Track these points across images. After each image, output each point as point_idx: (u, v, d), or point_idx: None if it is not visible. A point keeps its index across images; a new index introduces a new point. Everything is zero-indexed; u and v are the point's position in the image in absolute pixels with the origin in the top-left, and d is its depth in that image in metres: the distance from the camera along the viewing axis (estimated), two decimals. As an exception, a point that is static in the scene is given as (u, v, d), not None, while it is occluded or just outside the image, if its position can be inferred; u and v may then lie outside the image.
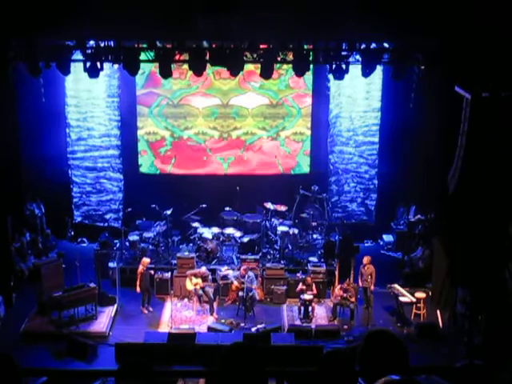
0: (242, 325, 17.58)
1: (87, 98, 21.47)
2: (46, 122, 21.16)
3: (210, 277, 18.63)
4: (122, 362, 5.17)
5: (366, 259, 18.33)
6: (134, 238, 20.48)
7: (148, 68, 20.84)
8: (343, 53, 17.39)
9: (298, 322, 17.78)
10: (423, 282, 19.22)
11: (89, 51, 17.28)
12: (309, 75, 20.57)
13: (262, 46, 17.58)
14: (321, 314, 18.34)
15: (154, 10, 15.64)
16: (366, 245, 22.23)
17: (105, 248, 20.24)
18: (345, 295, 17.85)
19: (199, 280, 18.26)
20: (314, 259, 20.08)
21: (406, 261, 20.43)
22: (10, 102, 19.69)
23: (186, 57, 17.76)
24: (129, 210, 21.41)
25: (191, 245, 21.08)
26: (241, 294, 18.07)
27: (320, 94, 21.80)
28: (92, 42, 17.36)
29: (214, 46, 17.20)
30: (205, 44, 17.20)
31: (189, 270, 18.80)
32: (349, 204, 22.84)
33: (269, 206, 21.13)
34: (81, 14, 15.65)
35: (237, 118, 21.93)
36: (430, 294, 18.66)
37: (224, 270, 19.19)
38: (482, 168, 15.34)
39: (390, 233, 22.58)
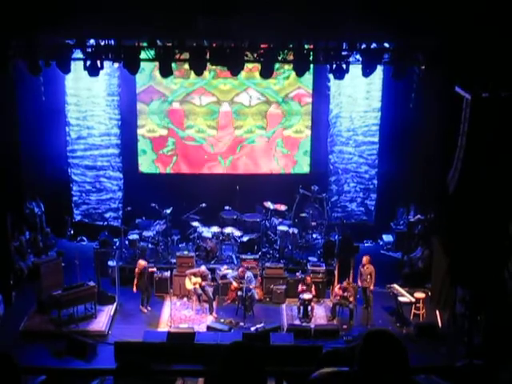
0: (242, 324, 17.59)
1: (87, 96, 21.46)
2: (45, 121, 21.15)
3: (209, 276, 18.63)
4: (121, 360, 5.18)
5: (365, 259, 18.34)
6: (133, 236, 20.48)
7: (149, 68, 20.85)
8: (343, 52, 17.38)
9: (297, 322, 17.79)
10: (423, 282, 19.22)
11: (89, 50, 17.27)
12: (309, 75, 20.56)
13: (262, 46, 17.57)
14: (320, 314, 18.34)
15: (154, 9, 15.63)
16: (365, 245, 22.25)
17: (104, 247, 20.24)
18: (344, 295, 17.86)
19: (198, 279, 18.26)
20: (313, 259, 20.09)
21: (405, 261, 20.43)
22: (9, 101, 19.70)
23: (186, 56, 17.76)
24: (128, 208, 21.41)
25: (191, 244, 21.09)
26: (240, 293, 18.07)
27: (320, 94, 21.80)
28: (92, 41, 17.36)
29: (214, 45, 17.19)
30: (205, 43, 17.20)
31: (188, 269, 18.81)
32: (348, 204, 22.85)
33: (268, 205, 21.13)
34: (81, 12, 15.65)
35: (236, 117, 21.94)
36: (430, 294, 18.66)
37: (223, 270, 19.20)
38: (482, 168, 15.33)
39: (389, 233, 22.58)
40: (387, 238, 22.46)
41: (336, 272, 19.07)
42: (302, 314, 17.91)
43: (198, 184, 21.57)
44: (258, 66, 18.34)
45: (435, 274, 18.57)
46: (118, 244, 20.77)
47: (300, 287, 18.22)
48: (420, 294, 18.21)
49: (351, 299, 17.82)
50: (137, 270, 18.17)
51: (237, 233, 20.65)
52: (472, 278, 15.90)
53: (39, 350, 16.15)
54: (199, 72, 17.74)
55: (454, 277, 16.63)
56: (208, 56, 17.20)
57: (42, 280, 18.33)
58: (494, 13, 15.06)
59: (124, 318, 18.01)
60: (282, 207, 21.34)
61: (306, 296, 17.89)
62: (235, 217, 21.33)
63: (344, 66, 17.50)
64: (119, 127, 21.90)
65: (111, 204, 22.55)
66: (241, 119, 21.97)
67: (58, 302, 17.25)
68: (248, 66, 19.73)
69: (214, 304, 18.45)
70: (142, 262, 18.40)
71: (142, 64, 18.05)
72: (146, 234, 20.64)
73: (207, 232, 20.52)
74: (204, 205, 20.87)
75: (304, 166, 22.54)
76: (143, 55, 17.57)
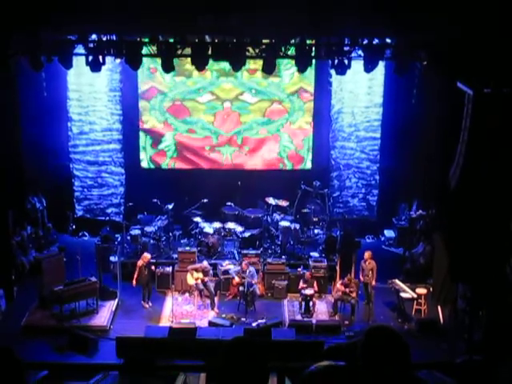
0: (243, 320, 17.61)
1: (89, 92, 21.48)
2: (47, 116, 21.13)
3: (211, 271, 18.64)
4: (126, 356, 5.21)
5: (367, 254, 18.34)
6: (135, 232, 20.50)
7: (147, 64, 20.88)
8: (345, 48, 17.34)
9: (298, 317, 17.82)
10: (424, 278, 19.24)
11: (91, 45, 17.25)
12: (311, 71, 20.55)
13: (264, 41, 17.55)
14: (322, 310, 18.36)
15: (156, 4, 15.61)
16: (367, 240, 22.29)
17: (106, 242, 20.26)
18: (346, 290, 17.86)
19: (200, 274, 18.27)
20: (315, 254, 20.09)
21: (407, 256, 20.44)
22: (11, 96, 19.72)
23: (188, 51, 17.74)
24: (130, 204, 21.42)
25: (192, 239, 21.10)
26: (242, 288, 18.09)
27: (322, 89, 21.80)
28: (94, 36, 17.34)
29: (216, 40, 17.17)
30: (207, 39, 17.18)
31: (190, 264, 18.82)
32: (350, 199, 22.84)
33: (270, 201, 21.15)
34: (83, 8, 15.61)
35: (239, 110, 21.96)
36: (431, 289, 18.68)
37: (225, 265, 19.21)
38: (484, 164, 15.32)
39: (391, 228, 22.60)
40: (389, 233, 22.48)
41: (338, 267, 19.08)
42: (304, 309, 17.94)
43: (200, 179, 21.59)
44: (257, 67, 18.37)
45: (437, 270, 18.57)
46: (119, 239, 20.79)
47: (300, 284, 18.24)
48: (421, 290, 18.22)
49: (353, 295, 17.82)
50: (141, 262, 18.16)
51: (238, 228, 20.66)
52: (473, 274, 15.89)
53: (41, 345, 16.19)
54: (201, 67, 17.71)
55: (455, 273, 16.63)
56: (210, 52, 17.17)
57: (43, 275, 18.36)
58: (495, 8, 15.03)
59: (126, 314, 18.04)
60: (284, 203, 21.34)
61: (308, 291, 17.91)
62: (237, 212, 21.34)
63: (346, 62, 17.46)
64: (121, 122, 21.91)
65: (113, 199, 22.56)
66: (243, 114, 21.97)
67: (59, 298, 17.28)
68: (249, 66, 19.93)
69: (216, 299, 18.46)
70: (147, 255, 18.42)
71: (144, 64, 18.09)
72: (147, 229, 20.65)
73: (209, 227, 20.52)
74: (206, 200, 20.89)
75: (306, 162, 22.53)
76: (145, 51, 17.56)
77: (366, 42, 17.30)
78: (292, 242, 20.66)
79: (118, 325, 17.41)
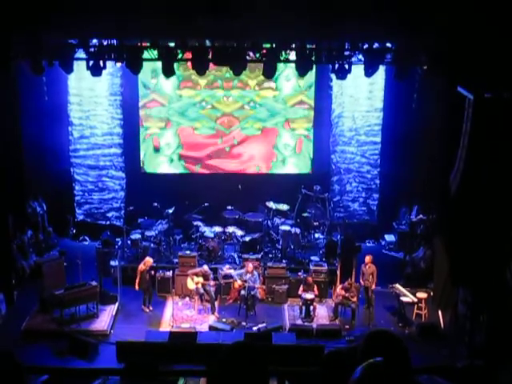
0: (244, 324, 17.60)
1: (90, 96, 21.49)
2: (48, 120, 21.15)
3: (211, 276, 18.64)
4: (127, 361, 5.20)
5: (367, 258, 18.34)
6: (135, 236, 20.50)
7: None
8: (346, 52, 17.36)
9: (299, 322, 17.80)
10: (425, 282, 19.24)
11: (92, 50, 17.25)
12: (311, 75, 20.57)
13: (265, 46, 17.56)
14: (322, 314, 18.35)
15: (156, 9, 15.62)
16: (367, 244, 22.25)
17: (106, 246, 20.23)
18: (346, 295, 17.86)
19: (201, 279, 18.27)
20: (315, 259, 20.08)
21: (407, 261, 20.43)
22: (12, 100, 19.74)
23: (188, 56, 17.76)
24: (131, 208, 21.41)
25: (193, 243, 21.10)
26: (242, 292, 18.09)
27: (322, 94, 21.81)
28: (95, 41, 17.36)
29: (216, 45, 17.18)
30: (207, 43, 17.19)
31: (190, 268, 18.81)
32: (351, 204, 22.84)
33: (271, 205, 21.15)
34: (84, 12, 15.64)
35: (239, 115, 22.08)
36: (432, 294, 18.68)
37: (225, 269, 19.21)
38: (484, 168, 15.32)
39: (391, 233, 22.59)
40: (389, 237, 22.47)
41: (338, 272, 19.07)
42: (304, 313, 17.93)
43: (201, 183, 21.59)
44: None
45: (437, 275, 18.57)
46: (120, 244, 20.78)
47: (301, 288, 18.23)
48: (422, 294, 18.22)
49: (353, 299, 17.82)
50: (143, 266, 18.17)
51: (239, 232, 20.66)
52: (474, 279, 15.89)
53: (41, 349, 16.18)
54: (201, 72, 17.72)
55: (456, 277, 16.63)
56: (210, 56, 17.19)
57: (44, 279, 18.36)
58: (496, 13, 15.04)
59: (126, 318, 18.03)
60: (285, 207, 21.35)
61: (308, 296, 17.90)
62: (237, 216, 21.34)
63: (346, 66, 17.47)
64: (122, 127, 21.92)
65: (113, 203, 22.56)
66: (242, 119, 22.04)
67: (60, 302, 17.28)
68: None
69: (216, 304, 18.45)
70: (150, 260, 18.42)
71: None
72: (148, 233, 20.65)
73: (209, 232, 20.53)
74: (206, 204, 20.88)
75: (306, 166, 22.54)
76: (146, 55, 17.57)
77: (366, 46, 17.31)
78: (292, 247, 20.64)
79: (118, 329, 17.40)
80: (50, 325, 17.33)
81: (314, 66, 19.01)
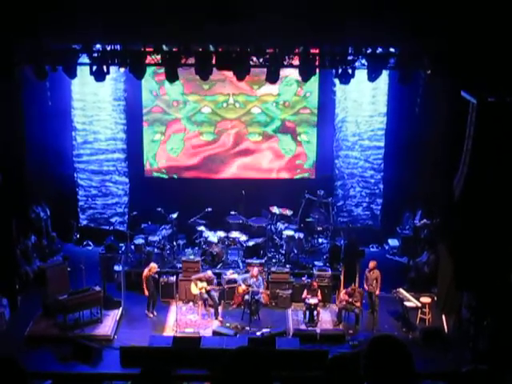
0: (247, 329, 17.58)
1: (93, 101, 21.50)
2: (51, 125, 21.19)
3: (215, 281, 18.64)
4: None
5: (371, 264, 18.32)
6: (139, 241, 20.50)
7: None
8: (349, 57, 17.36)
9: (303, 327, 17.78)
10: (428, 287, 19.20)
11: (95, 55, 17.28)
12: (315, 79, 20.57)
13: (268, 51, 17.57)
14: (326, 319, 18.33)
15: (160, 14, 15.64)
16: (371, 249, 22.22)
17: (110, 251, 20.25)
18: (350, 300, 17.85)
19: (204, 284, 18.26)
20: (319, 263, 20.07)
21: (411, 265, 20.41)
22: (16, 105, 19.76)
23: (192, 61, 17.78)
24: (134, 213, 21.41)
25: (196, 248, 21.09)
26: (246, 297, 18.08)
27: (326, 99, 21.80)
28: (98, 46, 17.39)
29: (220, 50, 17.20)
30: (211, 48, 17.21)
31: (194, 273, 18.81)
32: (354, 208, 22.81)
33: (274, 210, 21.15)
34: (87, 17, 15.67)
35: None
36: (436, 298, 18.65)
37: (229, 274, 19.21)
38: (488, 172, 15.31)
39: (395, 237, 22.56)
40: (393, 242, 22.44)
41: (342, 277, 19.07)
42: (308, 318, 17.90)
43: (204, 189, 21.56)
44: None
45: (441, 279, 18.54)
46: (123, 249, 20.74)
47: (305, 293, 18.21)
48: (426, 299, 18.19)
49: (357, 304, 17.80)
50: (148, 272, 18.18)
51: (243, 237, 20.65)
52: (478, 283, 15.87)
53: (45, 354, 16.19)
54: (205, 77, 17.74)
55: (460, 282, 16.60)
56: (214, 61, 17.20)
57: (47, 284, 18.39)
58: (499, 17, 15.04)
59: (130, 323, 18.03)
60: (288, 212, 21.34)
61: (312, 301, 17.89)
62: (241, 221, 21.33)
63: (350, 71, 17.48)
64: (125, 132, 21.93)
65: (117, 209, 22.56)
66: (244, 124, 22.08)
67: (63, 307, 17.29)
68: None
69: (220, 308, 18.45)
70: (154, 265, 18.44)
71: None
72: (151, 238, 20.65)
73: (213, 237, 20.52)
74: (210, 209, 20.87)
75: (309, 171, 22.55)
76: (149, 60, 17.59)
77: (369, 51, 17.32)
78: (296, 251, 20.62)
79: (121, 334, 17.41)
80: (54, 330, 17.34)
81: (318, 71, 19.07)
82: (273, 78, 17.75)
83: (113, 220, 22.40)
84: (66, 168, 21.98)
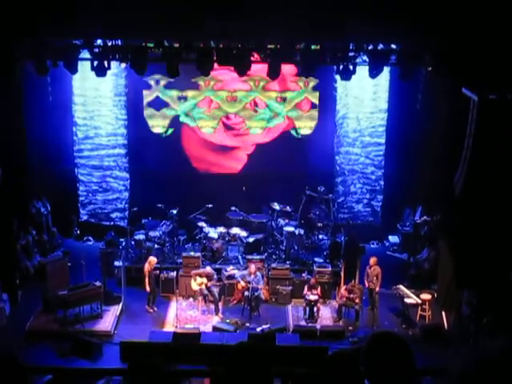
0: (247, 325, 17.59)
1: (94, 96, 21.49)
2: (52, 121, 21.18)
3: (215, 276, 18.63)
4: (131, 361, 5.16)
5: (372, 260, 18.31)
6: (139, 237, 20.49)
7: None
8: (350, 54, 17.35)
9: (302, 323, 17.78)
10: (429, 284, 19.19)
11: (96, 50, 17.28)
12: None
13: (269, 46, 17.56)
14: (326, 315, 18.33)
15: (161, 9, 15.63)
16: (371, 246, 22.21)
17: (110, 247, 20.23)
18: (350, 296, 17.85)
19: (204, 280, 18.27)
20: (319, 260, 20.08)
21: (411, 262, 20.42)
22: (16, 101, 19.74)
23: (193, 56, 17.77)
24: (135, 209, 21.41)
25: (197, 244, 21.10)
26: (246, 293, 18.08)
27: (327, 95, 21.78)
28: (99, 41, 17.38)
29: (221, 45, 17.19)
30: (212, 44, 17.20)
31: (194, 269, 18.81)
32: (355, 205, 22.81)
33: (275, 206, 21.13)
34: (88, 12, 15.67)
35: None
36: (436, 295, 18.64)
37: (229, 270, 19.21)
38: (489, 170, 15.30)
39: (395, 234, 22.56)
40: (393, 239, 22.44)
41: (342, 273, 19.06)
42: (308, 314, 17.90)
43: (205, 184, 21.55)
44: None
45: (441, 276, 18.54)
46: (124, 244, 20.76)
47: (305, 289, 18.21)
48: (426, 296, 18.18)
49: (357, 300, 17.80)
50: (148, 266, 18.19)
51: (243, 233, 20.65)
52: (478, 280, 15.88)
53: (45, 349, 16.18)
54: (206, 73, 17.73)
55: (460, 279, 16.60)
56: (215, 57, 17.19)
57: (48, 279, 18.41)
58: (501, 14, 15.04)
59: (130, 318, 18.03)
60: (289, 208, 21.32)
61: (312, 297, 17.89)
62: (241, 217, 21.32)
63: (351, 67, 17.47)
64: (126, 127, 21.91)
65: (117, 204, 22.56)
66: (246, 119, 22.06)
67: (64, 302, 17.29)
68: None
69: (220, 304, 18.46)
70: (153, 259, 18.44)
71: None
72: (152, 234, 20.64)
73: (213, 232, 20.52)
74: (210, 205, 20.87)
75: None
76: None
77: (370, 47, 17.30)
78: (296, 248, 20.63)
79: (122, 329, 17.41)
80: (54, 325, 17.34)
81: (319, 67, 19.04)
82: (274, 73, 17.74)
83: (113, 215, 22.42)
84: (66, 163, 21.99)
